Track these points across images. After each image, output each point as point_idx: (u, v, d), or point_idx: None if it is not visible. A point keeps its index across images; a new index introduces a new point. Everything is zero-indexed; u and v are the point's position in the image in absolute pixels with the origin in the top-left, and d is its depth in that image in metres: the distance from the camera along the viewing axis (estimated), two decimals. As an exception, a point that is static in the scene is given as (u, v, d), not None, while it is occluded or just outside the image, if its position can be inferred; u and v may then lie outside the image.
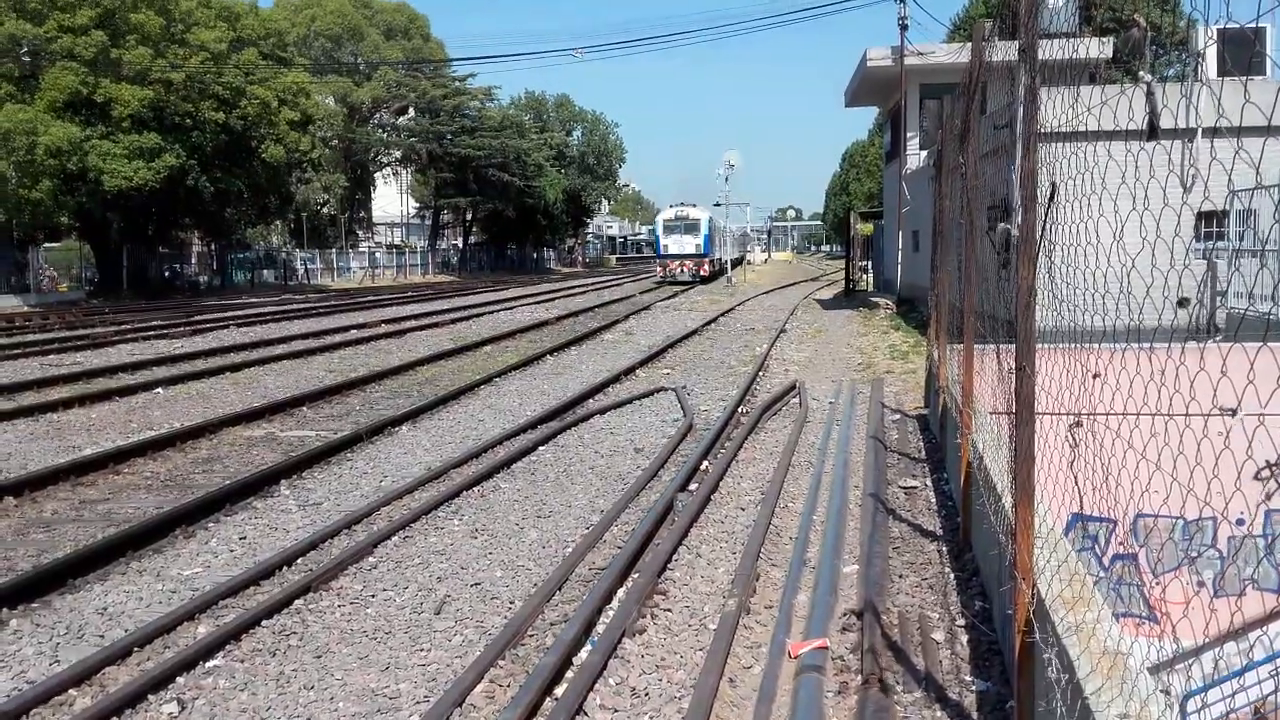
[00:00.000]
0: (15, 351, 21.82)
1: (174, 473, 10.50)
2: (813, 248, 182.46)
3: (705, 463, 10.37)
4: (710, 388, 15.83)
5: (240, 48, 46.23)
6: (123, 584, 7.05)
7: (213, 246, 58.89)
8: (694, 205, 60.47)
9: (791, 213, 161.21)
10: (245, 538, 8.13)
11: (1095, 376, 4.07)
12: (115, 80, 40.77)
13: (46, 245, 48.84)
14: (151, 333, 26.47)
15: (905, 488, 9.38)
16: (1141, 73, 3.25)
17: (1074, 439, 4.31)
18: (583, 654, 5.61)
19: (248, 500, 9.24)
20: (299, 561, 7.43)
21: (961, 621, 6.02)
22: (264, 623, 6.22)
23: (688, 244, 58.52)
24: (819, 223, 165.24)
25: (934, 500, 8.96)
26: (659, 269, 60.23)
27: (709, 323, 28.42)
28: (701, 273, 57.95)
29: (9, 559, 7.65)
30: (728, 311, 33.11)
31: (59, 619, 6.39)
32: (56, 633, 6.17)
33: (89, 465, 10.36)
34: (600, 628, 5.97)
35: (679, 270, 58.05)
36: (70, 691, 5.30)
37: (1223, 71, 23.44)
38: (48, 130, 38.14)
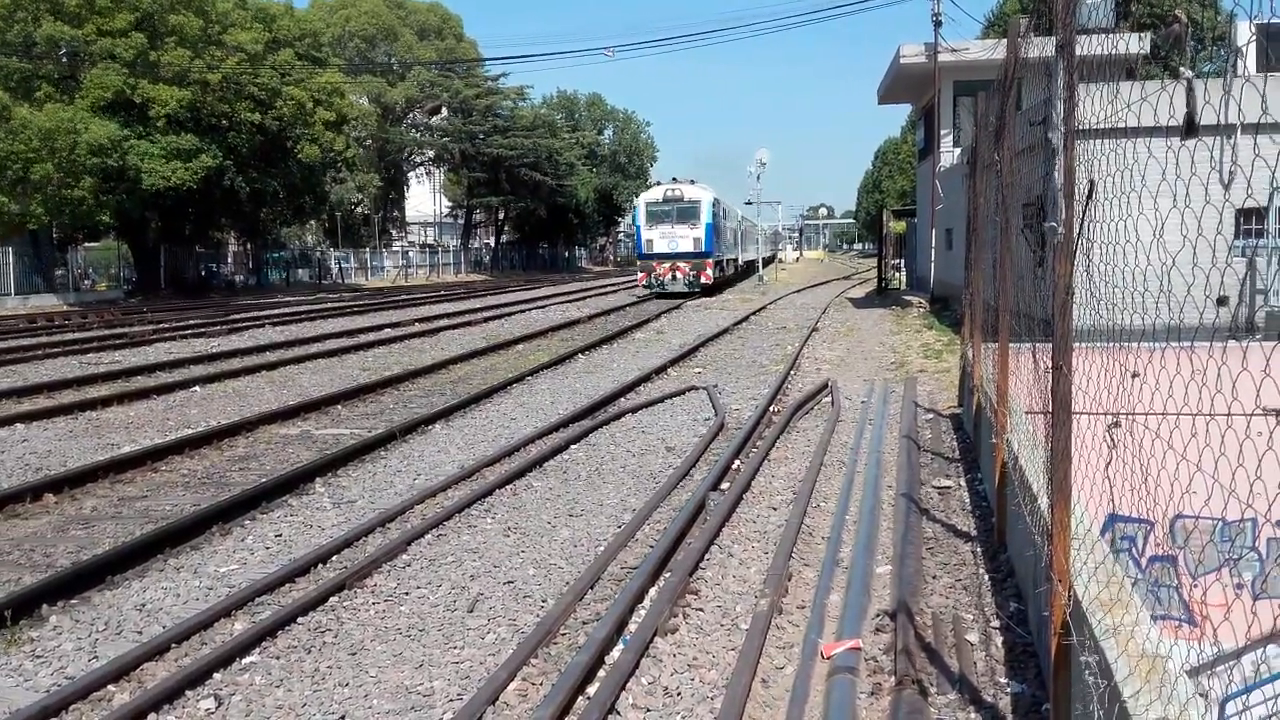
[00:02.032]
0: (55, 350, 22.10)
1: (211, 470, 10.59)
2: (845, 246, 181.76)
3: (737, 462, 10.34)
4: (741, 386, 15.80)
5: (276, 49, 46.62)
6: (161, 581, 7.12)
7: (248, 246, 59.45)
8: (691, 182, 43.54)
9: (823, 211, 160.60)
10: (281, 535, 8.19)
11: (1134, 376, 4.03)
12: (153, 81, 41.20)
13: (86, 245, 49.42)
14: (189, 331, 26.73)
15: (939, 488, 9.32)
16: (1181, 69, 3.20)
17: (1112, 440, 4.27)
18: (615, 653, 5.61)
19: (283, 498, 9.31)
20: (334, 559, 7.48)
21: (996, 623, 5.97)
22: (299, 620, 6.26)
23: (681, 237, 41.53)
24: (851, 220, 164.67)
25: (968, 500, 8.89)
26: (640, 275, 42.64)
27: (740, 321, 28.36)
28: (703, 279, 41.47)
29: (49, 555, 7.75)
30: (759, 310, 33.03)
31: (98, 615, 6.46)
32: (96, 629, 6.23)
33: (127, 463, 10.47)
34: (632, 626, 5.96)
35: (669, 276, 41.57)
36: (109, 687, 5.35)
37: (1263, 67, 23.13)
38: (89, 128, 38.61)
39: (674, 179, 43.51)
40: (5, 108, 38.29)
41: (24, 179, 38.60)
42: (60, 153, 38.05)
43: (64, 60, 40.58)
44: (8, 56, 40.37)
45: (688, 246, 41.52)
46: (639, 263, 42.91)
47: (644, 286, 42.16)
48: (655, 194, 43.14)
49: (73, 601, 6.70)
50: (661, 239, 41.81)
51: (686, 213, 41.77)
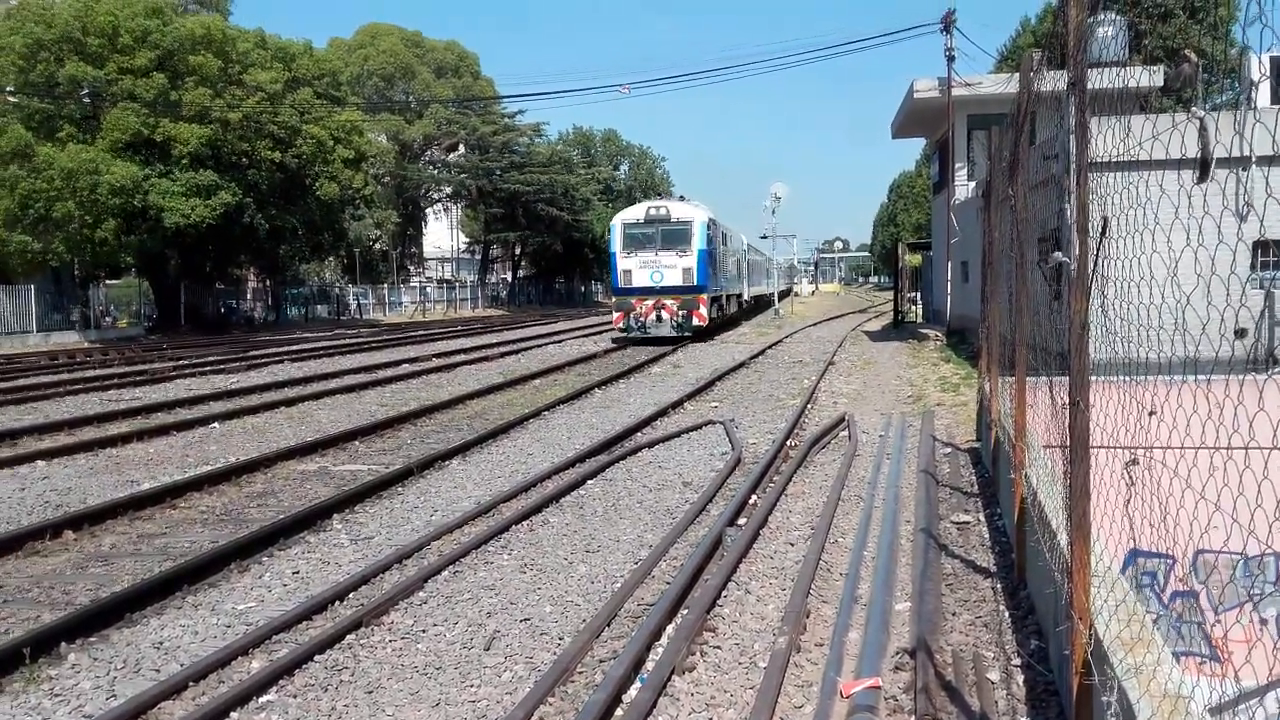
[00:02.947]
0: (76, 387, 22.25)
1: (229, 507, 10.63)
2: (860, 279, 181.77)
3: (754, 496, 10.32)
4: (758, 421, 15.77)
5: (296, 87, 47.12)
6: (179, 618, 7.13)
7: (268, 282, 59.86)
8: (681, 199, 38.04)
9: (839, 244, 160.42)
10: (298, 572, 8.20)
11: (1151, 414, 4.01)
12: (174, 120, 41.69)
13: (107, 282, 49.86)
14: (208, 368, 26.88)
15: (958, 523, 9.27)
16: (1194, 108, 3.21)
17: (1130, 477, 4.25)
18: (632, 691, 5.59)
19: (301, 534, 9.33)
20: (351, 596, 7.48)
21: (1017, 661, 5.92)
22: (316, 658, 6.25)
23: (668, 267, 33.87)
24: (866, 254, 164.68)
25: (987, 536, 8.84)
26: (615, 315, 35.14)
27: (756, 355, 28.35)
28: (695, 320, 34.04)
29: (68, 593, 7.77)
30: (775, 344, 33.02)
31: (116, 653, 6.47)
32: (114, 667, 6.24)
33: (147, 499, 10.52)
34: (650, 665, 5.94)
35: (651, 317, 33.85)
36: (126, 726, 5.35)
37: (1277, 99, 23.05)
38: (110, 169, 39.06)
39: (659, 195, 38.28)
40: (28, 147, 38.80)
41: (46, 218, 39.05)
42: (82, 192, 38.50)
43: (86, 100, 41.12)
44: (30, 97, 40.92)
45: (675, 279, 33.63)
46: (615, 299, 34.80)
47: (620, 330, 34.24)
48: (635, 213, 35.11)
49: (91, 639, 6.71)
50: (642, 269, 33.77)
51: (674, 236, 33.83)
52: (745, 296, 50.66)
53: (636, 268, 33.95)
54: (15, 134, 38.90)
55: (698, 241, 33.93)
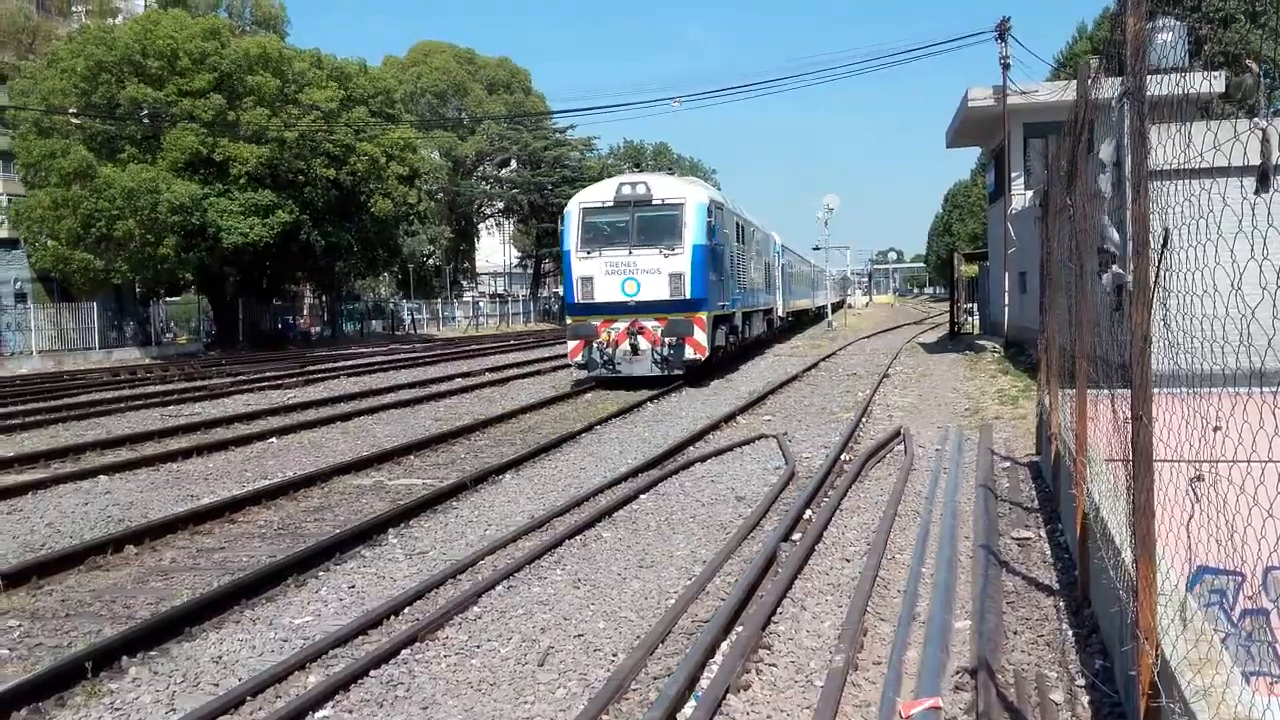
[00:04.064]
0: (137, 403, 22.65)
1: (286, 521, 10.73)
2: (915, 290, 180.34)
3: (809, 512, 10.23)
4: (812, 434, 15.66)
5: (350, 106, 47.80)
6: (237, 632, 7.20)
7: (323, 298, 60.65)
8: (669, 172, 30.83)
9: (893, 255, 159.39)
10: (354, 586, 8.25)
11: (1216, 429, 3.92)
12: (232, 140, 42.42)
13: (167, 299, 50.81)
14: (265, 383, 27.23)
15: (1018, 539, 9.12)
16: (1256, 119, 3.14)
17: (1195, 494, 4.14)
18: (687, 710, 5.54)
19: (356, 549, 9.39)
20: (406, 611, 7.51)
21: (1081, 681, 5.80)
22: (372, 673, 6.28)
23: (648, 272, 23.49)
24: (921, 265, 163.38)
25: (1049, 552, 8.68)
26: (571, 345, 24.17)
27: (810, 368, 28.17)
28: (690, 351, 23.44)
29: (129, 606, 7.88)
30: (829, 356, 32.80)
31: (176, 667, 6.54)
32: (174, 681, 6.31)
33: (206, 514, 10.66)
34: (704, 682, 5.89)
35: (623, 347, 23.46)
36: (186, 740, 5.40)
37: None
38: (170, 188, 39.83)
39: (635, 164, 26.57)
40: (90, 167, 39.67)
41: (108, 236, 39.88)
42: (142, 211, 39.28)
43: (146, 121, 41.98)
44: (92, 118, 41.83)
45: (658, 290, 23.15)
46: (570, 320, 24.24)
47: (577, 365, 23.88)
48: (599, 192, 24.63)
49: (151, 653, 6.78)
50: (610, 276, 23.33)
51: (657, 227, 23.47)
52: (779, 312, 41.24)
53: (601, 274, 23.31)
54: (78, 155, 39.80)
55: (692, 234, 23.20)
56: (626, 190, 23.95)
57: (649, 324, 23.33)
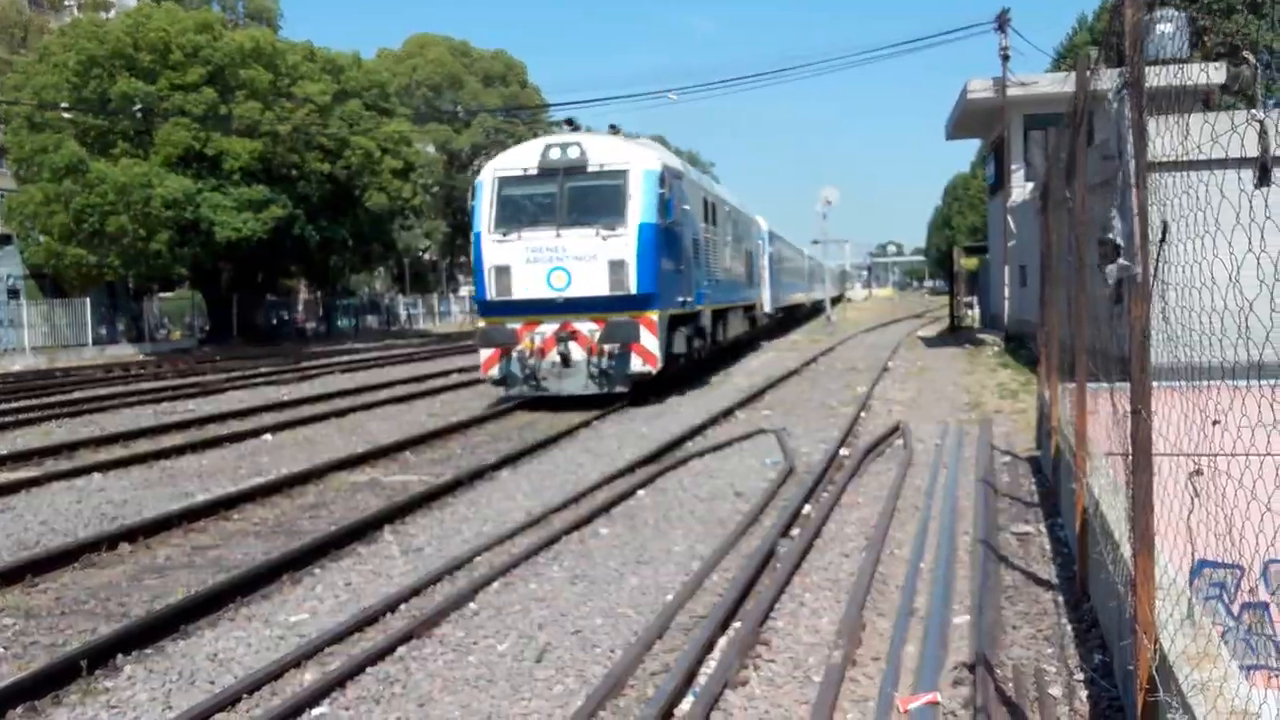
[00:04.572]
0: (131, 399, 22.60)
1: (281, 518, 10.70)
2: (915, 283, 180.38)
3: (807, 507, 10.21)
4: (811, 429, 15.64)
5: (344, 99, 47.69)
6: (233, 630, 7.17)
7: (318, 293, 60.58)
8: (614, 131, 21.79)
9: (892, 248, 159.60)
10: (350, 583, 8.21)
11: (1215, 424, 3.89)
12: (225, 134, 42.33)
13: (160, 295, 50.76)
14: (260, 379, 27.21)
15: (1018, 534, 9.09)
16: (1253, 111, 3.10)
17: (1194, 488, 4.12)
18: (684, 705, 5.52)
19: (352, 546, 9.35)
20: (402, 608, 7.47)
21: (1080, 676, 5.78)
22: (368, 670, 6.25)
23: (581, 259, 18.47)
24: (921, 258, 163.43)
25: (1048, 547, 8.66)
26: (483, 355, 19.25)
27: (809, 362, 28.15)
28: (636, 362, 18.54)
29: (124, 604, 7.84)
30: (828, 351, 32.79)
31: (171, 665, 6.51)
32: (169, 679, 6.27)
33: (200, 511, 10.61)
34: (702, 678, 5.87)
35: (549, 358, 18.68)
36: (180, 739, 5.37)
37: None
38: (162, 183, 39.74)
39: (569, 121, 21.22)
40: (82, 162, 39.57)
41: (100, 232, 39.80)
42: (135, 206, 39.20)
43: (138, 115, 41.90)
44: (84, 113, 41.73)
45: (594, 282, 18.46)
46: (481, 324, 19.62)
47: (492, 380, 19.33)
48: (520, 156, 19.73)
49: (147, 651, 6.75)
50: (532, 265, 18.62)
51: (593, 199, 18.84)
52: (766, 308, 36.74)
53: (520, 262, 18.55)
54: (69, 150, 39.71)
55: (639, 209, 18.42)
56: (555, 154, 18.86)
57: (583, 327, 18.46)
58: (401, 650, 6.58)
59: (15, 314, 41.76)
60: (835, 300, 67.28)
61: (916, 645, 6.38)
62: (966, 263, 50.06)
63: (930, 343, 36.86)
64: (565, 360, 18.50)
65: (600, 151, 19.06)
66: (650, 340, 18.52)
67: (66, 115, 41.50)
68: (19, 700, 5.83)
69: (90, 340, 42.65)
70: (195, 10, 47.27)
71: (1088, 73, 7.02)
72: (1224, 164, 3.47)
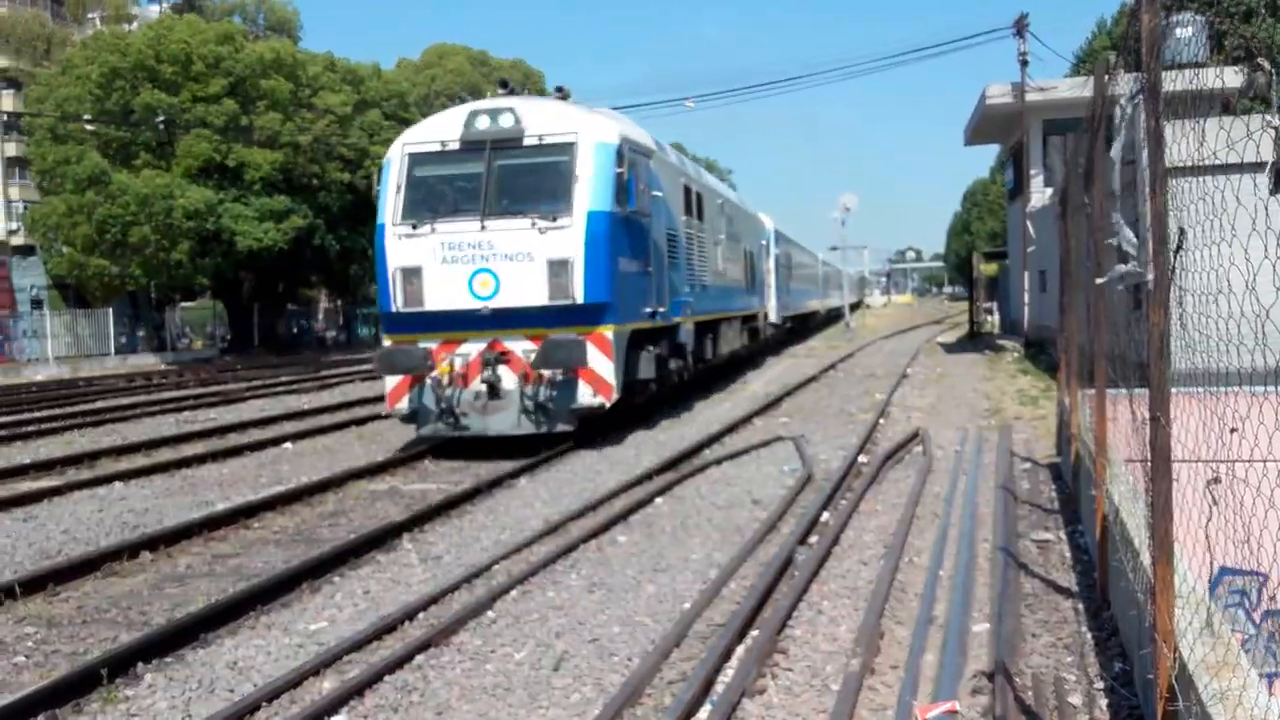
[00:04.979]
0: (153, 408, 22.75)
1: (301, 527, 10.74)
2: (934, 289, 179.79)
3: (825, 514, 10.18)
4: (829, 436, 15.60)
5: (364, 109, 47.92)
6: (252, 638, 7.20)
7: (338, 302, 60.81)
8: (560, 95, 17.16)
9: (911, 254, 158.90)
10: (369, 592, 8.24)
11: (1233, 431, 3.87)
12: (246, 145, 42.62)
13: (182, 305, 51.11)
14: (280, 388, 27.34)
15: (1038, 541, 9.05)
16: (1268, 116, 3.09)
17: (1213, 497, 4.09)
18: (702, 714, 5.51)
19: (371, 554, 9.38)
20: (420, 616, 7.49)
21: (1100, 684, 5.75)
22: (386, 678, 6.26)
23: (513, 258, 14.26)
24: (940, 264, 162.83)
25: (1069, 554, 8.61)
26: (389, 383, 14.95)
27: (827, 369, 28.09)
28: (587, 389, 14.42)
29: (145, 613, 7.89)
30: (846, 357, 32.71)
31: (191, 673, 6.54)
32: (189, 687, 6.30)
33: (221, 520, 10.67)
34: (719, 687, 5.86)
35: (472, 387, 14.44)
36: (200, 748, 5.39)
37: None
38: (184, 194, 40.04)
39: (502, 83, 17.29)
40: (104, 173, 39.91)
41: (123, 242, 40.12)
42: (157, 216, 39.50)
43: (161, 127, 42.24)
44: (106, 125, 42.08)
45: (530, 288, 14.46)
46: (386, 344, 15.32)
47: (400, 417, 15.28)
48: (438, 126, 15.76)
49: (167, 659, 6.79)
50: (448, 266, 14.64)
51: (528, 182, 15.14)
52: (771, 317, 33.21)
53: (434, 262, 14.62)
54: (92, 161, 40.06)
55: (589, 193, 14.61)
56: (482, 123, 14.91)
57: (517, 347, 14.41)
58: (420, 658, 6.59)
59: (39, 324, 42.09)
60: (854, 307, 67.07)
61: (935, 653, 6.35)
62: (986, 268, 49.89)
63: (950, 349, 36.73)
64: (493, 390, 14.39)
65: (540, 120, 14.98)
66: (602, 363, 14.46)
67: (89, 127, 41.87)
68: (40, 708, 5.86)
69: (113, 350, 42.94)
70: (217, 22, 47.66)
71: (1106, 78, 6.99)
72: (1240, 169, 3.46)
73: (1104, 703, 5.51)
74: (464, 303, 14.44)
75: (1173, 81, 4.09)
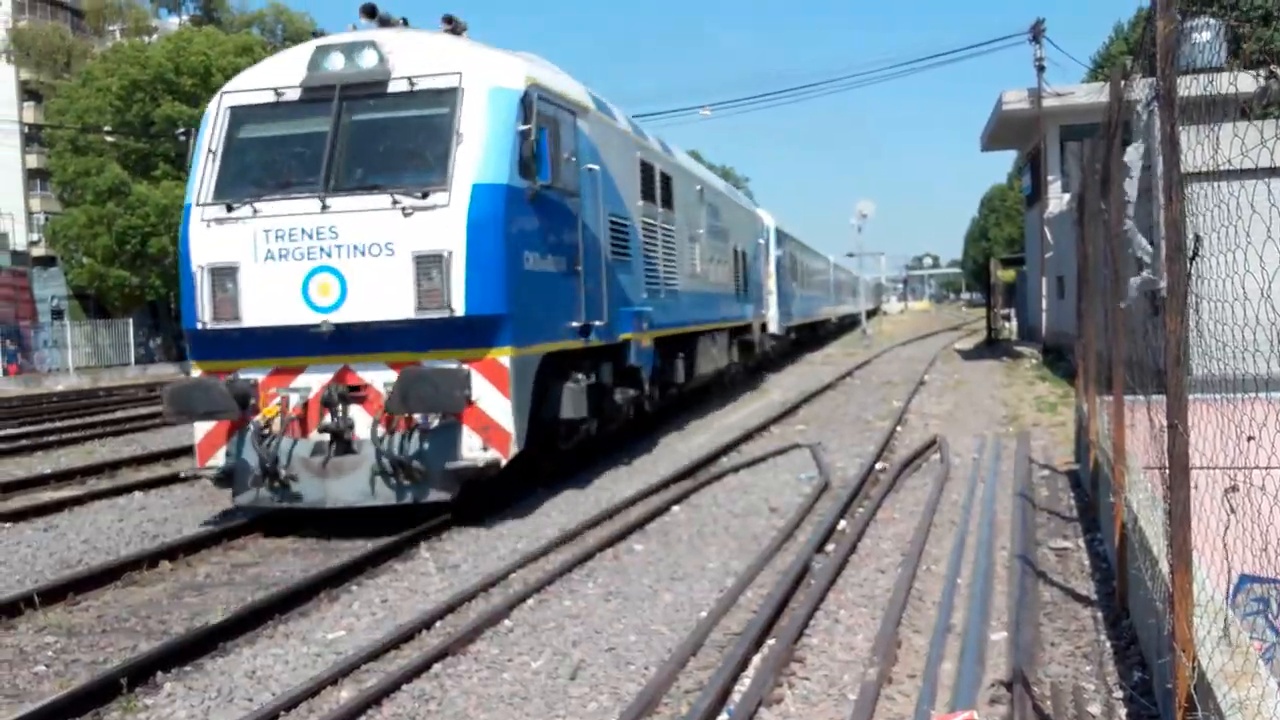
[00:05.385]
0: (172, 420, 22.78)
1: (319, 535, 10.77)
2: (951, 295, 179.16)
3: (842, 522, 10.16)
4: (846, 444, 15.57)
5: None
6: (270, 647, 7.22)
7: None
8: (449, 26, 11.85)
9: (928, 260, 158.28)
10: (386, 600, 8.26)
11: (1250, 439, 3.85)
12: (266, 155, 42.89)
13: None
14: (300, 397, 27.37)
15: (1056, 549, 9.01)
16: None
17: (1230, 505, 4.07)
18: (719, 724, 5.50)
19: (389, 563, 9.41)
20: (438, 625, 7.51)
21: (1119, 694, 5.71)
22: (404, 687, 6.27)
23: (363, 251, 9.93)
24: (957, 270, 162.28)
25: (1087, 562, 8.57)
26: (198, 436, 10.94)
27: (844, 376, 28.04)
28: (473, 439, 10.04)
29: (164, 622, 7.93)
30: (863, 364, 32.65)
31: (210, 682, 6.57)
32: (208, 696, 6.33)
33: (240, 529, 10.72)
34: (736, 697, 5.84)
35: (301, 438, 10.24)
36: (218, 757, 5.41)
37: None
38: (205, 205, 40.32)
39: (368, 9, 11.47)
40: (124, 184, 40.20)
41: (142, 253, 40.38)
42: (176, 227, 39.75)
43: (181, 138, 42.51)
44: (127, 136, 42.40)
45: (388, 295, 10.01)
46: (194, 371, 11.58)
47: (214, 474, 10.85)
48: (276, 68, 11.34)
49: (186, 669, 6.81)
50: (274, 263, 10.26)
51: (391, 142, 10.81)
52: (772, 328, 29.19)
53: (256, 258, 10.40)
54: (112, 173, 40.36)
55: (478, 158, 10.25)
56: (334, 62, 10.90)
57: (375, 378, 10.35)
58: (437, 667, 6.60)
59: (60, 335, 42.42)
60: (870, 314, 66.89)
61: (953, 662, 6.33)
62: (1004, 274, 49.75)
63: (967, 355, 36.61)
64: (339, 441, 10.32)
65: (413, 59, 10.78)
66: (495, 402, 10.26)
67: (109, 139, 42.20)
68: (61, 717, 5.89)
69: (133, 360, 43.23)
70: (235, 34, 47.95)
71: (1122, 83, 6.97)
72: (1254, 174, 3.44)
73: (1123, 712, 5.48)
74: (296, 315, 10.28)
75: (1187, 87, 4.07)
